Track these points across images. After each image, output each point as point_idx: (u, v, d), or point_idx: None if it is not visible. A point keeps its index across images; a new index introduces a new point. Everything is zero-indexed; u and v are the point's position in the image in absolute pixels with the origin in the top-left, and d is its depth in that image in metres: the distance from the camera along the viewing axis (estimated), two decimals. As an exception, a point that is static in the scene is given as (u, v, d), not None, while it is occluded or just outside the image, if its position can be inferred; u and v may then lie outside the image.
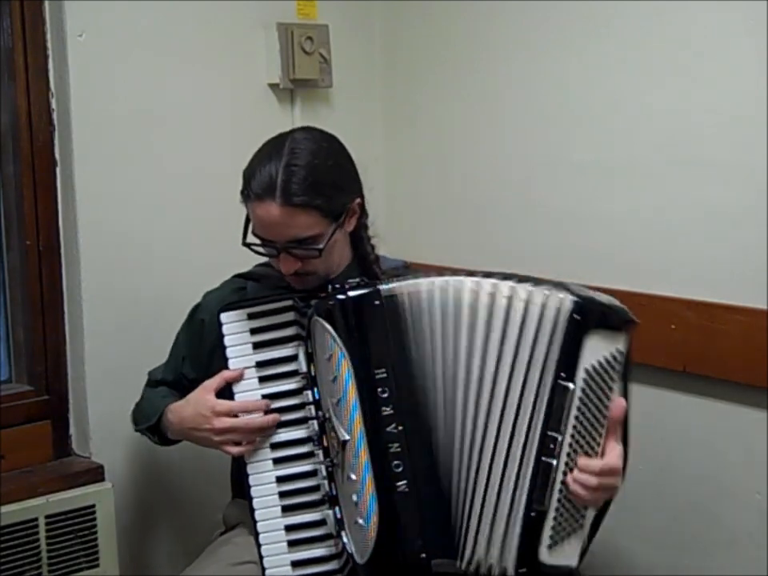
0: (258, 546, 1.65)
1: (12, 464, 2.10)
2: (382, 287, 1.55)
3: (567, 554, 1.49)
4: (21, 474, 2.10)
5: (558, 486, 1.47)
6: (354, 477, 1.53)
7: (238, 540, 1.80)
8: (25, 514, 2.01)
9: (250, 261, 1.85)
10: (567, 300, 1.46)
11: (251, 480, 1.66)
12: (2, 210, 2.16)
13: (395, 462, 1.52)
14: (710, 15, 1.86)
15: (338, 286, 1.60)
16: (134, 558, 2.24)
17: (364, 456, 1.53)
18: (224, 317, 1.68)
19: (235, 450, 1.66)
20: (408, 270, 1.86)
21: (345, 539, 1.58)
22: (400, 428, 1.53)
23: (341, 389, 1.54)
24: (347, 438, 1.54)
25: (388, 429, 1.53)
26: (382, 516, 1.52)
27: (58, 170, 2.13)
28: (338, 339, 1.53)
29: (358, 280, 1.61)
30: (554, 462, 1.46)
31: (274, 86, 2.38)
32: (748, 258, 1.84)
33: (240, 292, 1.83)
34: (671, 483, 2.02)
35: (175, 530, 2.32)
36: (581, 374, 1.46)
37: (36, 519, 2.02)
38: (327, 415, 1.58)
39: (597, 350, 1.46)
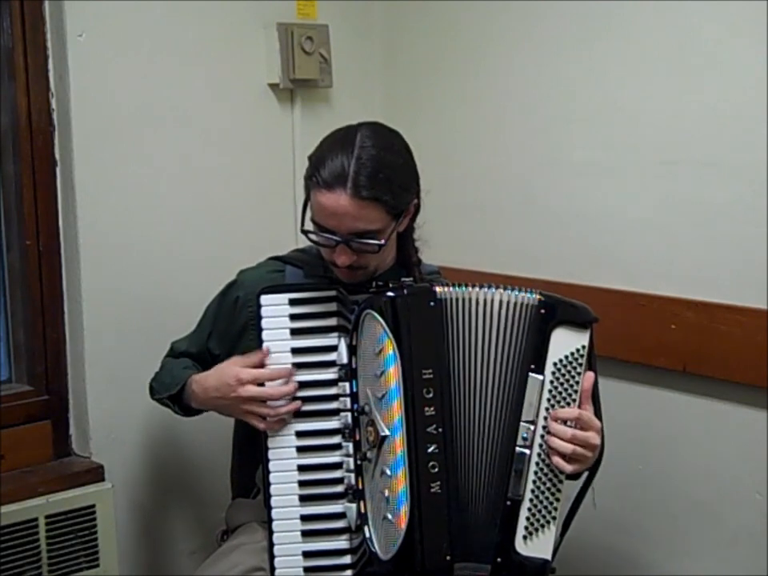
0: (270, 533, 1.63)
1: (12, 464, 2.09)
2: (437, 289, 1.58)
3: (542, 546, 1.54)
4: (21, 473, 2.10)
5: (531, 476, 1.53)
6: (389, 472, 1.54)
7: (248, 547, 1.76)
8: (25, 514, 2.01)
9: (252, 261, 1.85)
10: (534, 298, 1.57)
11: (271, 466, 1.64)
12: (2, 210, 2.15)
13: (432, 463, 1.53)
14: (709, 15, 1.86)
15: (381, 284, 1.62)
16: (133, 557, 2.24)
17: (403, 453, 1.53)
18: (264, 299, 1.66)
19: (262, 425, 1.65)
20: (440, 276, 1.88)
21: (367, 533, 1.58)
22: (440, 429, 1.54)
23: (387, 384, 1.55)
24: (387, 433, 1.54)
25: (428, 429, 1.54)
26: (413, 514, 1.52)
27: (58, 170, 2.13)
28: (390, 335, 1.54)
29: (410, 279, 1.64)
30: (528, 452, 1.53)
31: (274, 86, 2.38)
32: (748, 258, 1.84)
33: (278, 274, 1.81)
34: (671, 483, 2.02)
35: (175, 529, 2.32)
36: (549, 367, 1.54)
37: (36, 519, 2.03)
38: (367, 409, 1.58)
39: (563, 344, 1.55)
